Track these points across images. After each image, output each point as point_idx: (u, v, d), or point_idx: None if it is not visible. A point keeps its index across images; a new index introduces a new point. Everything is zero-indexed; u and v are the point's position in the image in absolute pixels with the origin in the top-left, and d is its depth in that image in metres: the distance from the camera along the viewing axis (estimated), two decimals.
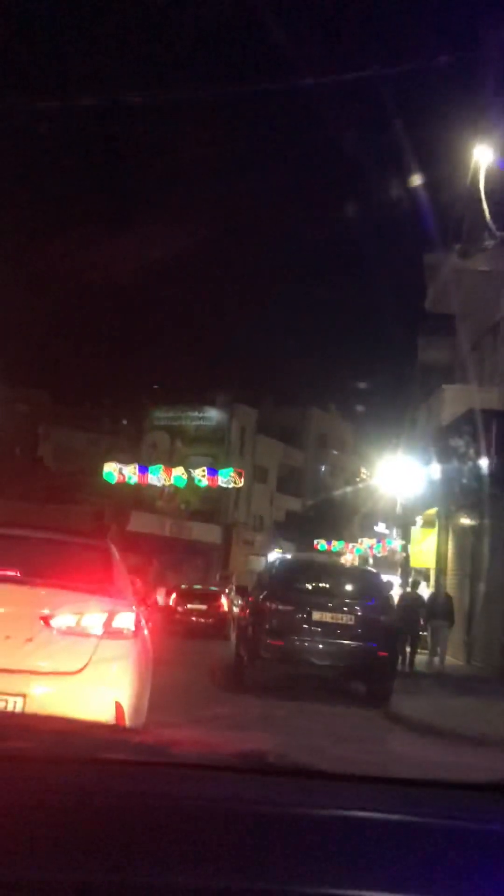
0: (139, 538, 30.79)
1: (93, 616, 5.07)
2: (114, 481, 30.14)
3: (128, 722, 4.90)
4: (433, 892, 1.20)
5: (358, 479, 74.37)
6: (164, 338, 59.91)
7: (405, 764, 2.02)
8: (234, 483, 28.23)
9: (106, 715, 4.78)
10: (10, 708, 4.67)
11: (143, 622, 5.76)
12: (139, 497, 37.99)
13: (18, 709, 4.69)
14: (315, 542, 54.98)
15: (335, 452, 69.07)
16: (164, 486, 30.12)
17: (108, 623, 5.08)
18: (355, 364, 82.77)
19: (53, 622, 4.98)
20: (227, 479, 27.95)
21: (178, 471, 28.95)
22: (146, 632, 5.90)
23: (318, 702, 10.93)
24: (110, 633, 5.07)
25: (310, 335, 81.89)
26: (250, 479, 54.14)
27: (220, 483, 28.45)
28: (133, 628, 5.24)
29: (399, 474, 26.00)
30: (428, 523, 24.11)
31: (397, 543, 59.89)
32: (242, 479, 28.96)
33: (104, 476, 30.03)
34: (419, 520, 24.89)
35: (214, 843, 1.23)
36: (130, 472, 29.37)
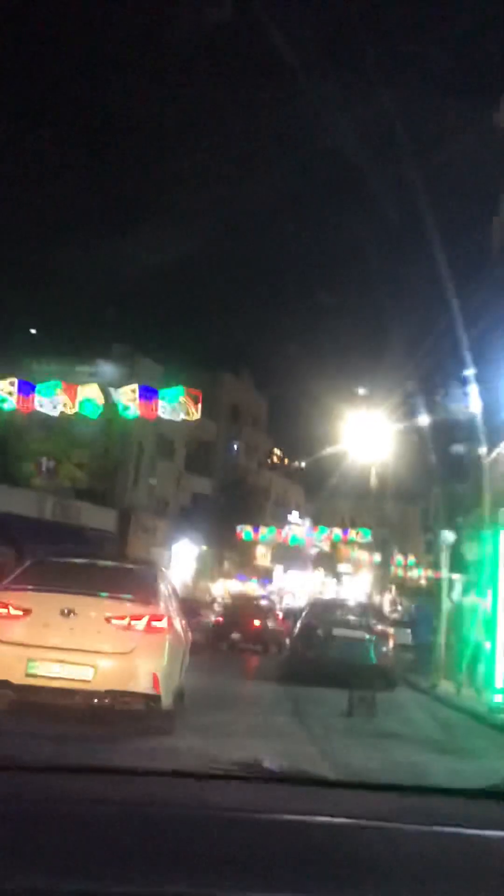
0: (10, 522, 25.08)
1: (138, 618, 8.57)
2: None
3: (161, 686, 8.37)
4: None
5: (269, 461, 65.58)
6: (47, 275, 47.28)
7: (403, 771, 2.67)
8: (189, 414, 16.69)
9: (146, 681, 8.32)
10: (84, 674, 8.20)
11: (175, 623, 9.37)
12: (8, 469, 31.33)
13: (91, 675, 8.20)
14: (238, 528, 46.25)
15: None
16: (60, 412, 17.97)
17: (148, 623, 8.57)
18: (279, 323, 71.50)
19: (113, 621, 8.52)
20: (175, 406, 16.26)
21: (89, 391, 16.97)
22: (179, 628, 9.64)
23: None
24: (149, 629, 8.55)
25: (229, 279, 69.48)
26: (153, 452, 43.68)
27: (161, 413, 16.78)
28: (166, 626, 8.79)
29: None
30: None
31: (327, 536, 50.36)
32: (199, 410, 17.43)
33: None
34: None
35: (215, 851, 1.24)
36: (4, 393, 17.12)
